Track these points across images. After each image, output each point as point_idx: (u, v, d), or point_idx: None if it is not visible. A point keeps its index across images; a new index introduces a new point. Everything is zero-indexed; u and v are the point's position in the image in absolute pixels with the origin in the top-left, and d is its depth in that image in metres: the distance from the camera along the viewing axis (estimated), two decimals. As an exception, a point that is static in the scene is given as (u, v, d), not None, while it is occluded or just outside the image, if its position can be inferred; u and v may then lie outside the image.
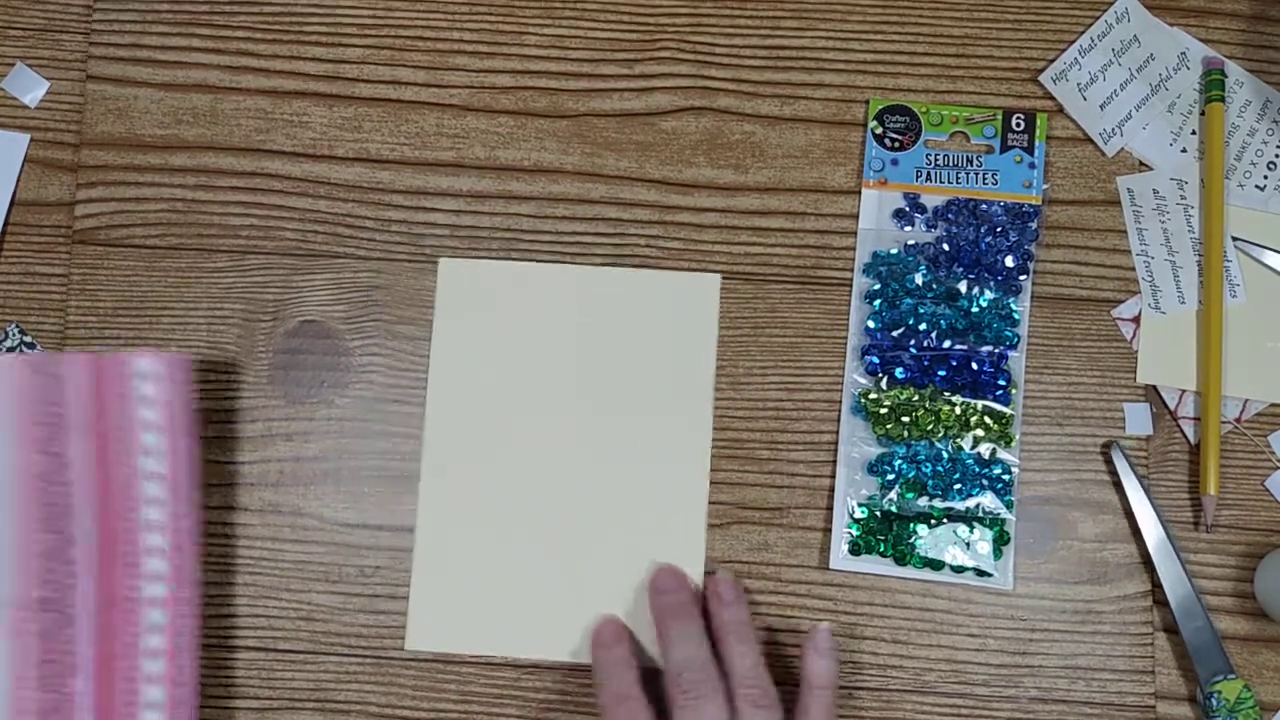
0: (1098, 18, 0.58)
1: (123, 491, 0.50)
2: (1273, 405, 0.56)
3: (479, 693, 0.55)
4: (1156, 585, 0.55)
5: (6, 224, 0.58)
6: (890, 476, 0.55)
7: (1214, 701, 0.53)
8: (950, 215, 0.56)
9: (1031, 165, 0.57)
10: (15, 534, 0.50)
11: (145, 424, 0.51)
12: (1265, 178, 0.57)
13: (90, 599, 0.50)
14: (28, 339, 0.57)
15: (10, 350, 0.57)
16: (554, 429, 0.56)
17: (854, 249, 0.57)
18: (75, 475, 0.50)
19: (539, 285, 0.57)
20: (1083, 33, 0.58)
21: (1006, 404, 0.55)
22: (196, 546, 0.51)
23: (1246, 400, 0.56)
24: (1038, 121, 0.57)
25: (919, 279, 0.56)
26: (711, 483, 0.56)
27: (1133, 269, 0.57)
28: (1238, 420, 0.56)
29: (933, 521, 0.55)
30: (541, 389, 0.56)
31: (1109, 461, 0.55)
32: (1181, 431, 0.56)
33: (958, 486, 0.55)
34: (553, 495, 0.56)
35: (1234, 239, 0.57)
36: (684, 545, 0.55)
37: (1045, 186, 0.57)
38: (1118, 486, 0.55)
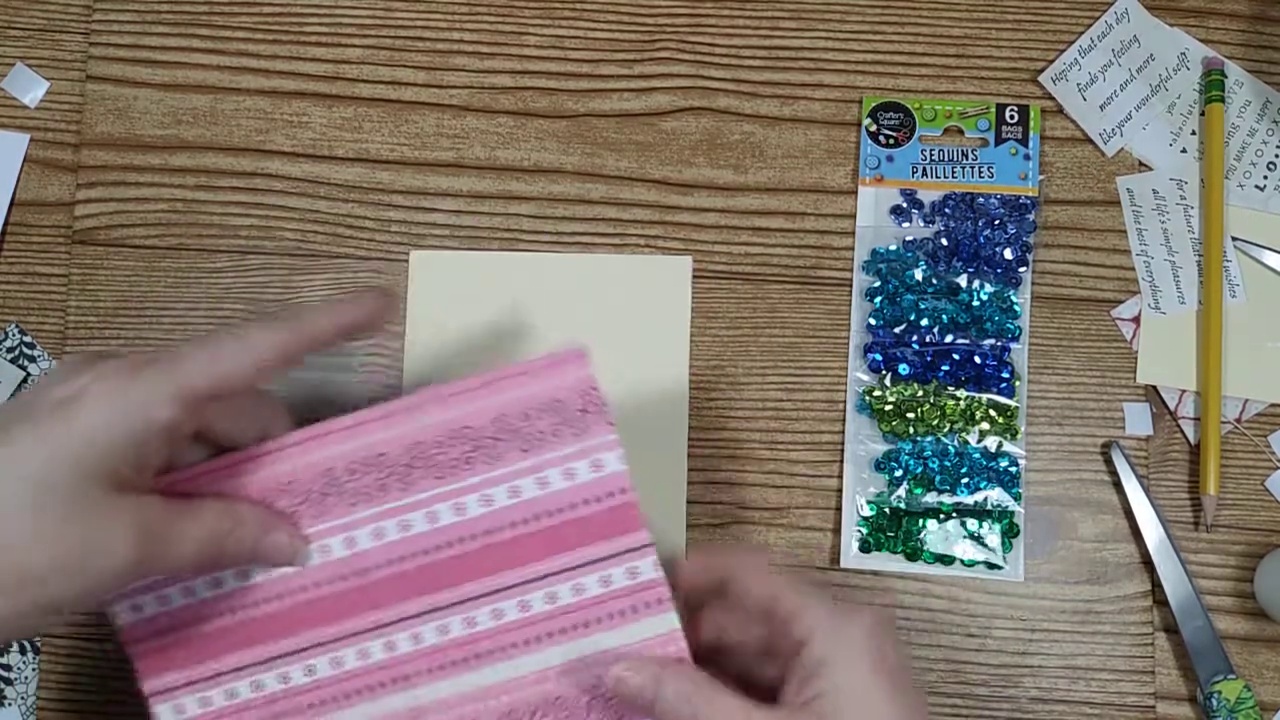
0: (1097, 18, 0.58)
1: None
2: (1272, 405, 0.56)
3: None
4: (1156, 585, 0.54)
5: (6, 224, 0.58)
6: (898, 473, 0.55)
7: (1214, 701, 0.53)
8: (948, 210, 0.56)
9: (1026, 157, 0.57)
10: None
11: None
12: (1265, 178, 0.57)
13: None
14: (27, 339, 0.57)
15: (10, 350, 0.57)
16: None
17: (853, 248, 0.57)
18: None
19: (511, 274, 0.57)
20: (1082, 33, 0.58)
21: (1010, 397, 0.55)
22: None
23: (1246, 400, 0.56)
24: (1031, 113, 0.57)
25: (919, 274, 0.56)
26: (712, 483, 0.56)
27: (1132, 269, 0.57)
28: (1237, 420, 0.56)
29: (941, 516, 0.55)
30: None
31: (1109, 461, 0.55)
32: (1181, 431, 0.56)
33: (965, 481, 0.55)
34: None
35: (1234, 239, 0.57)
36: (667, 516, 0.55)
37: (1041, 178, 0.57)
38: (1118, 487, 0.55)
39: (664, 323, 0.57)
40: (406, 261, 0.57)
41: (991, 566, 0.55)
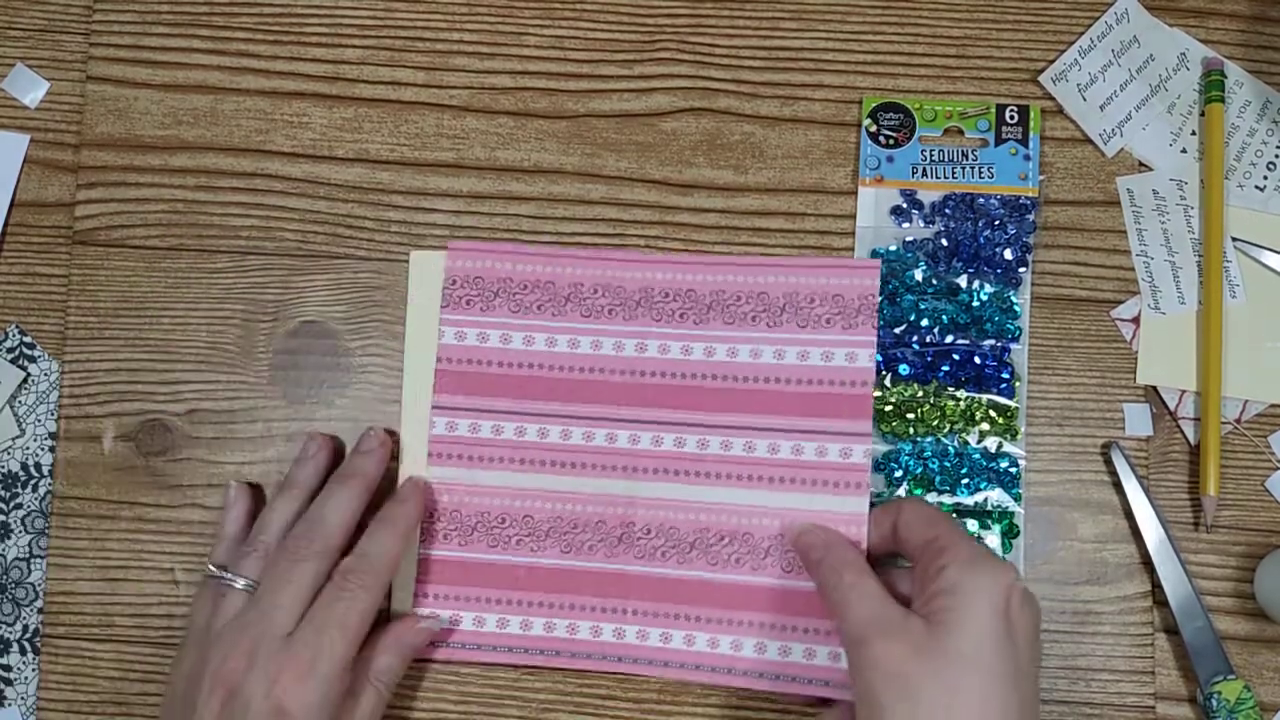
0: (1097, 18, 0.58)
1: None
2: (1273, 406, 0.56)
3: (478, 693, 0.55)
4: (1156, 586, 0.54)
5: (6, 225, 0.58)
6: (897, 474, 0.55)
7: (1214, 702, 0.53)
8: (948, 210, 0.56)
9: (1026, 157, 0.57)
10: None
11: None
12: (1265, 178, 0.57)
13: None
14: (28, 339, 0.57)
15: (10, 351, 0.57)
16: None
17: (853, 249, 0.57)
18: None
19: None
20: (1082, 33, 0.58)
21: (1011, 397, 0.55)
22: None
23: (1246, 401, 0.56)
24: (1031, 113, 0.57)
25: (919, 275, 0.56)
26: (711, 483, 0.56)
27: (1132, 269, 0.57)
28: (1237, 421, 0.56)
29: (938, 518, 0.55)
30: None
31: (1109, 462, 0.55)
32: (1181, 432, 0.56)
33: (965, 481, 0.54)
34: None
35: (1234, 239, 0.57)
36: None
37: (1041, 178, 0.57)
38: (1118, 487, 0.55)
39: None
40: (406, 262, 0.57)
41: (991, 567, 0.55)
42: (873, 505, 0.52)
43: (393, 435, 0.55)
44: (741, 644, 0.53)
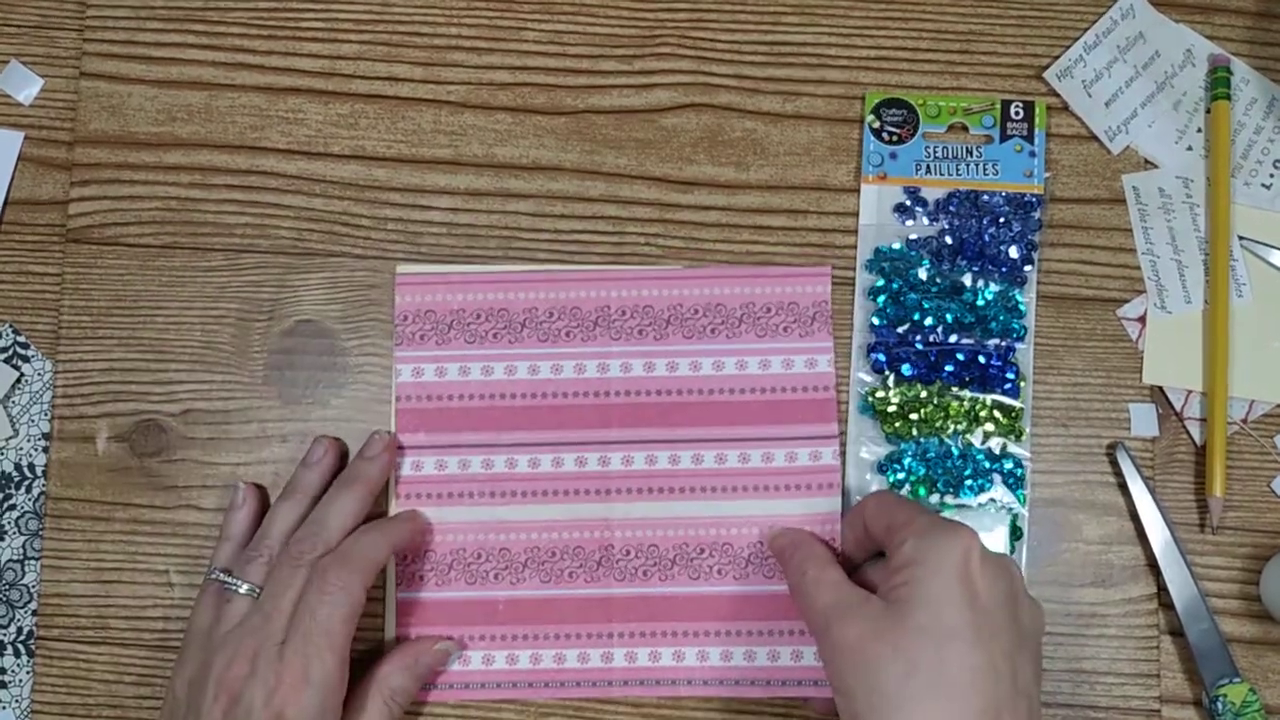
0: (1102, 14, 0.58)
1: None
2: (1279, 406, 0.55)
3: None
4: (1162, 588, 0.54)
5: (0, 222, 0.58)
6: (901, 475, 0.54)
7: (1220, 705, 0.52)
8: (952, 208, 0.56)
9: (1032, 154, 0.56)
10: None
11: None
12: (1271, 176, 0.57)
13: None
14: (21, 339, 0.57)
15: (3, 350, 0.57)
16: None
17: (856, 246, 0.56)
18: None
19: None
20: (1087, 29, 0.57)
21: (1015, 397, 0.55)
22: None
23: (1253, 401, 0.55)
24: (1036, 110, 0.56)
25: (923, 273, 0.55)
26: (712, 484, 0.55)
27: (1138, 268, 0.56)
28: (1244, 421, 0.55)
29: (944, 519, 0.54)
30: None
31: (1114, 463, 0.55)
32: (1187, 432, 0.55)
33: (969, 482, 0.54)
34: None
35: (1240, 238, 0.56)
36: None
37: (1046, 175, 0.56)
38: (1123, 488, 0.55)
39: None
40: (404, 260, 0.56)
41: (995, 569, 0.54)
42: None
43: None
44: (731, 653, 0.53)
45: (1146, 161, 0.57)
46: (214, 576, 0.51)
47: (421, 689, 0.53)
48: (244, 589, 0.50)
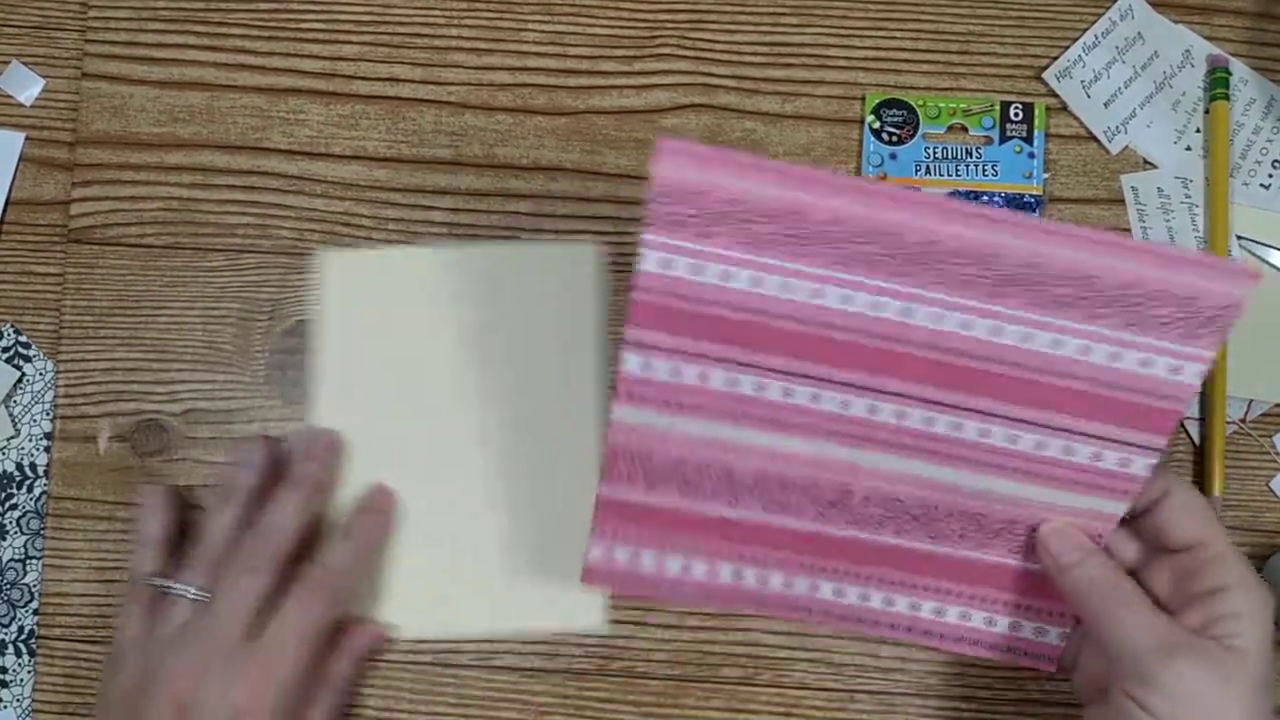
0: (1101, 15, 0.58)
1: None
2: (1277, 405, 0.56)
3: (477, 696, 0.55)
4: (1161, 587, 0.54)
5: (1, 223, 0.58)
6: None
7: (1220, 704, 0.52)
8: (953, 210, 0.56)
9: (1031, 155, 0.56)
10: None
11: None
12: (1270, 176, 0.57)
13: None
14: (22, 339, 0.57)
15: (5, 350, 0.57)
16: (444, 421, 0.55)
17: (855, 247, 0.56)
18: None
19: (420, 270, 0.56)
20: (1086, 30, 0.58)
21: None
22: None
23: (1251, 400, 0.56)
24: (1036, 111, 0.57)
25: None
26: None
27: (1137, 268, 0.56)
28: (1242, 420, 0.56)
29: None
30: (429, 380, 0.55)
31: (1113, 462, 0.55)
32: (1186, 432, 0.56)
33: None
34: (447, 489, 0.55)
35: (1239, 238, 0.56)
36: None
37: (1045, 176, 0.57)
38: (1122, 487, 0.55)
39: (571, 312, 0.56)
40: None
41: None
42: None
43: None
44: (966, 614, 0.50)
45: (1145, 162, 0.57)
46: (148, 582, 0.51)
47: (620, 586, 0.50)
48: (191, 593, 0.49)
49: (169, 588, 0.50)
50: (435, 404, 0.55)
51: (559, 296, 0.56)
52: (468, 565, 0.55)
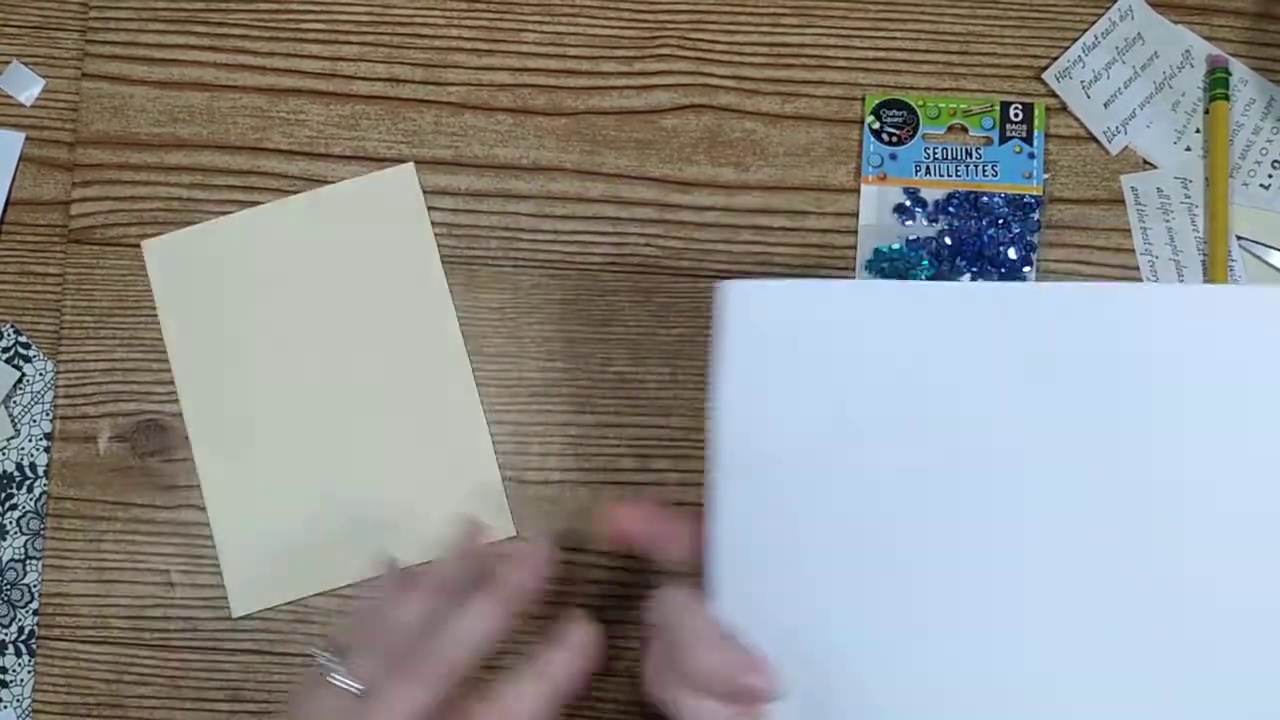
0: (1101, 15, 0.58)
1: None
2: None
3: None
4: (1161, 587, 0.54)
5: (1, 223, 0.58)
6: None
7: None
8: (951, 209, 0.56)
9: (1031, 155, 0.56)
10: None
11: None
12: (1270, 176, 0.57)
13: None
14: (23, 339, 0.57)
15: (5, 350, 0.57)
16: (309, 378, 0.56)
17: (856, 247, 0.56)
18: None
19: (245, 238, 0.56)
20: (1086, 30, 0.58)
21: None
22: None
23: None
24: (1035, 111, 0.57)
25: (922, 274, 0.55)
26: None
27: (1137, 269, 0.56)
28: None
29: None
30: (284, 341, 0.56)
31: (1113, 462, 0.55)
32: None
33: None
34: (327, 443, 0.55)
35: (1239, 238, 0.56)
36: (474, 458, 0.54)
37: (1045, 176, 0.57)
38: (1122, 487, 0.55)
39: (407, 240, 0.56)
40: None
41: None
42: None
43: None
44: None
45: (1145, 162, 0.57)
46: (324, 658, 0.44)
47: None
48: (353, 689, 0.43)
49: (334, 672, 0.44)
50: (299, 362, 0.56)
51: (390, 225, 0.56)
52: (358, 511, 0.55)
